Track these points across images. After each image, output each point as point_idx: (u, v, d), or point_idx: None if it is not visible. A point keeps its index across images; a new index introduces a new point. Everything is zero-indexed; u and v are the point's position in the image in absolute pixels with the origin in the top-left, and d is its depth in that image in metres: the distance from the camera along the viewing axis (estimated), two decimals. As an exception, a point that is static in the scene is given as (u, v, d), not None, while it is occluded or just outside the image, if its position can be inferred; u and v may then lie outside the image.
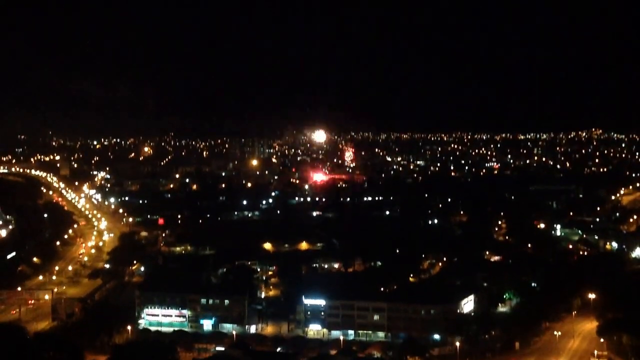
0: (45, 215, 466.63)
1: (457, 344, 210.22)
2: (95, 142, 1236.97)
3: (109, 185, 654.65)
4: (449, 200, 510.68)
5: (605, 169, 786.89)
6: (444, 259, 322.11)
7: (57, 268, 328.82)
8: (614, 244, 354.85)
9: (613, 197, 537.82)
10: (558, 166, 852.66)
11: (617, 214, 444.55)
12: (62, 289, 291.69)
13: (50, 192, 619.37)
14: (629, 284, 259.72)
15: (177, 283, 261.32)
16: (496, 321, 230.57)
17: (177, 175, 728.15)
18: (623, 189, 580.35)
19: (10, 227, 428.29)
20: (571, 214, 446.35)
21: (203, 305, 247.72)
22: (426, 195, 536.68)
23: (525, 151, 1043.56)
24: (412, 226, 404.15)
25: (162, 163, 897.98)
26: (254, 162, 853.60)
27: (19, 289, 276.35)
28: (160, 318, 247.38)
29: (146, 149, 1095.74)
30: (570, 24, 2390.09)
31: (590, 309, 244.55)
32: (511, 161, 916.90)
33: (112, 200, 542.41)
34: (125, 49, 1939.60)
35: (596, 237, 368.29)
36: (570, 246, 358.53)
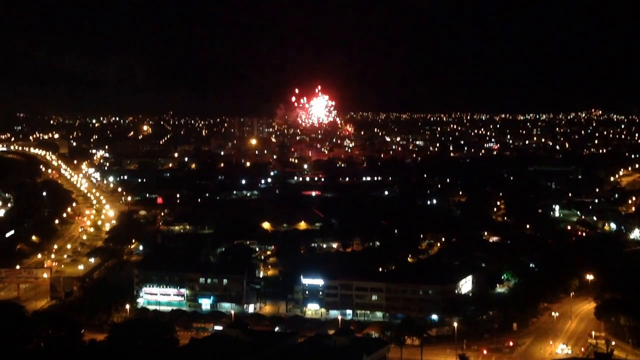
0: (44, 193, 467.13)
1: (455, 324, 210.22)
2: (94, 121, 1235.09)
3: (108, 163, 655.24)
4: (448, 180, 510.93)
5: (604, 150, 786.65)
6: (443, 239, 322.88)
7: (55, 247, 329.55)
8: (613, 225, 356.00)
9: (612, 178, 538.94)
10: (557, 147, 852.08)
11: (616, 195, 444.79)
12: (61, 268, 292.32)
13: (49, 171, 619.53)
14: (627, 265, 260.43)
15: (175, 262, 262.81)
16: (494, 302, 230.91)
17: (176, 154, 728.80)
18: (622, 170, 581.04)
19: (9, 205, 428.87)
20: (570, 194, 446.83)
21: (201, 285, 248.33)
22: (425, 175, 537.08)
23: (524, 132, 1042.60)
24: (410, 206, 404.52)
25: (161, 142, 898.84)
26: (253, 142, 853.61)
27: (18, 267, 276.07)
28: (158, 297, 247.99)
29: (145, 127, 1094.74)
30: (569, 3, 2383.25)
31: (588, 290, 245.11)
32: (510, 142, 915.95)
33: (111, 178, 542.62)
34: (124, 27, 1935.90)
35: (595, 218, 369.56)
36: (569, 227, 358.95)
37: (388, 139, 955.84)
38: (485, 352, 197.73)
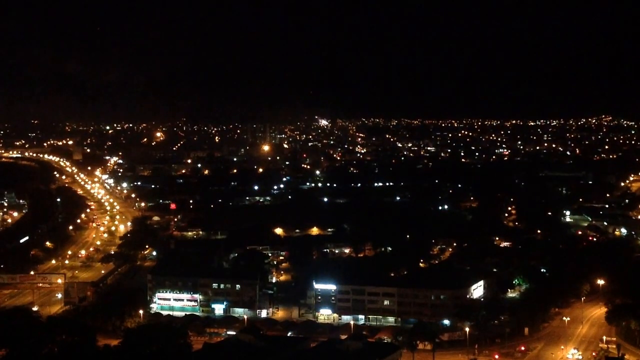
0: (58, 199, 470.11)
1: (467, 329, 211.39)
2: (107, 127, 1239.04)
3: (121, 170, 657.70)
4: (459, 186, 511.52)
5: (614, 156, 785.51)
6: (454, 244, 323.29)
7: (69, 252, 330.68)
8: (623, 230, 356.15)
9: (622, 184, 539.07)
10: (568, 152, 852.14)
11: (627, 201, 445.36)
12: (75, 273, 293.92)
13: (63, 177, 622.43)
14: (638, 270, 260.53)
15: (188, 267, 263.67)
16: (505, 306, 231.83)
17: (189, 160, 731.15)
18: (632, 175, 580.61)
19: (24, 211, 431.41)
20: (580, 200, 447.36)
21: (214, 290, 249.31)
22: (436, 181, 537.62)
23: (535, 137, 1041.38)
24: (422, 212, 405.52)
25: (174, 148, 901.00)
26: (266, 148, 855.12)
27: (32, 273, 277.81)
28: (172, 302, 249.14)
29: (158, 134, 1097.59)
30: (581, 10, 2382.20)
31: (599, 294, 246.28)
32: (521, 147, 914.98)
33: (124, 185, 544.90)
34: (138, 35, 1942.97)
35: (605, 224, 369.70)
36: (580, 232, 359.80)
37: (399, 145, 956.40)
38: (497, 356, 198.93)
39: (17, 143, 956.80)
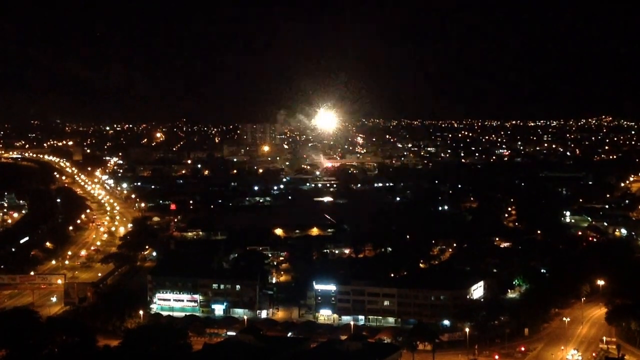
0: (58, 200, 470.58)
1: (467, 329, 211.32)
2: (107, 128, 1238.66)
3: (121, 170, 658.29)
4: (459, 186, 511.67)
5: (614, 156, 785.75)
6: (454, 244, 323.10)
7: (69, 253, 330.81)
8: (623, 231, 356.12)
9: (623, 184, 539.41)
10: (568, 153, 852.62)
11: (627, 201, 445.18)
12: (75, 274, 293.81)
13: (63, 177, 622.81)
14: (638, 271, 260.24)
15: (188, 268, 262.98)
16: (505, 307, 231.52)
17: (189, 161, 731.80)
18: (633, 176, 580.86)
19: (24, 211, 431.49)
20: (581, 200, 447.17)
21: (214, 290, 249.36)
22: (436, 181, 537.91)
23: (535, 138, 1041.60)
24: (422, 212, 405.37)
25: (174, 149, 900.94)
26: (266, 148, 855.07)
27: (32, 273, 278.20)
28: (172, 303, 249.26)
29: (158, 134, 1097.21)
30: (580, 10, 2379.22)
31: (599, 295, 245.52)
32: (521, 148, 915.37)
33: (124, 185, 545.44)
34: (138, 35, 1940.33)
35: (605, 224, 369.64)
36: (580, 233, 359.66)
37: (400, 146, 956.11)
38: (497, 357, 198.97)
39: (17, 143, 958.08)
